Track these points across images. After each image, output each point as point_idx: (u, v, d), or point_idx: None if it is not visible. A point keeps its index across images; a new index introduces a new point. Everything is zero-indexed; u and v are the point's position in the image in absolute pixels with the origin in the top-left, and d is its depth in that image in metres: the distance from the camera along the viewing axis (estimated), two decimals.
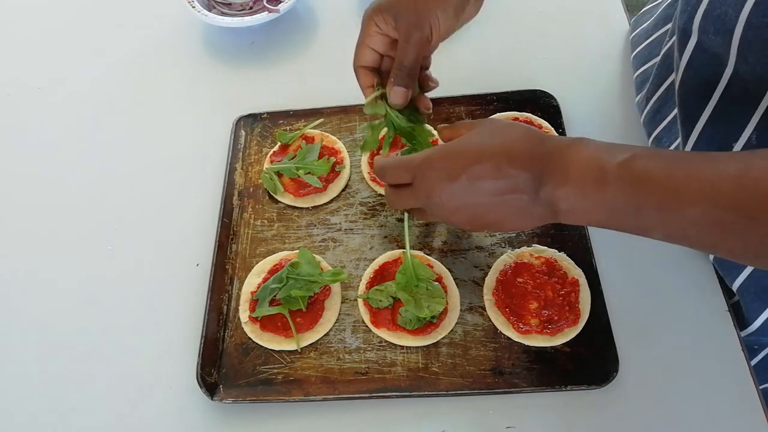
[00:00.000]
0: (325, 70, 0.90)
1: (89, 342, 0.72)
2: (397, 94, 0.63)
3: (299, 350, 0.67)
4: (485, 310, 0.67)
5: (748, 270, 0.63)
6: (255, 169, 0.81)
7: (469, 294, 0.69)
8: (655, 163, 0.46)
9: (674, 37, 0.65)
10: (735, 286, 0.64)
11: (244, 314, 0.70)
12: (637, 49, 0.82)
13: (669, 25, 0.73)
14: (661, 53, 0.73)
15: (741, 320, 0.66)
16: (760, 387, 0.63)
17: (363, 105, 0.77)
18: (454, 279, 0.69)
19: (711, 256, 0.68)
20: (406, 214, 0.74)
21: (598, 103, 0.83)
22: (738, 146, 0.59)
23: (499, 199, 0.51)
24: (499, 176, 0.50)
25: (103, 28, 1.00)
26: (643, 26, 0.83)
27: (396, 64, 0.62)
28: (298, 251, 0.71)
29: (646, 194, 0.45)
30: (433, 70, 0.88)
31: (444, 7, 0.61)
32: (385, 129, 0.68)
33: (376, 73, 0.66)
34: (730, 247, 0.45)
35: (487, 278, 0.69)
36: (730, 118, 0.59)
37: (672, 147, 0.70)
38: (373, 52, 0.64)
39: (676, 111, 0.67)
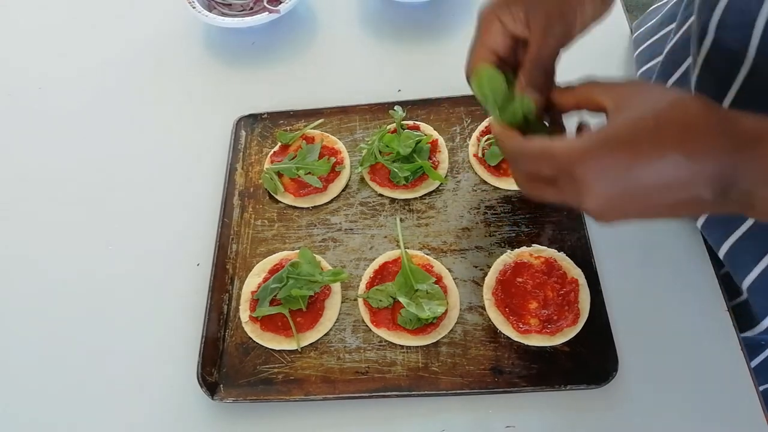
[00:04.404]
0: (325, 71, 0.91)
1: (89, 342, 0.72)
2: (533, 97, 0.52)
3: (299, 350, 0.67)
4: (485, 310, 0.67)
5: (759, 269, 0.62)
6: (255, 170, 0.81)
7: (468, 294, 0.69)
8: None
9: (682, 30, 0.64)
10: (745, 285, 0.64)
11: (244, 314, 0.70)
12: (641, 48, 0.82)
13: (673, 24, 0.73)
14: (665, 51, 0.72)
15: (749, 319, 0.66)
16: (761, 388, 0.63)
17: (365, 105, 0.76)
18: (454, 279, 0.70)
19: (708, 256, 0.68)
20: (398, 219, 0.74)
21: None
22: None
23: (674, 201, 0.43)
24: (677, 181, 0.42)
25: (104, 28, 1.01)
26: (647, 25, 0.83)
27: (531, 59, 0.52)
28: (298, 251, 0.71)
29: None
30: (433, 72, 0.88)
31: None
32: None
33: None
34: None
35: (486, 278, 0.69)
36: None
37: None
38: (493, 55, 0.54)
39: None
